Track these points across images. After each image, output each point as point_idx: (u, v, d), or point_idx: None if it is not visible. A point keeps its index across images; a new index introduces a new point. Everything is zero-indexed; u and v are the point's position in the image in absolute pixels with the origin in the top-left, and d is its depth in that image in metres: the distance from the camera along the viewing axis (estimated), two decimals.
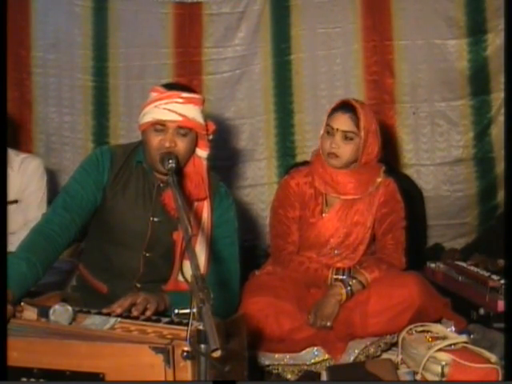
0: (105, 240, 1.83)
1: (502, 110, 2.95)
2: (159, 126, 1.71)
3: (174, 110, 1.70)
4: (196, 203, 1.82)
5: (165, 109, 1.70)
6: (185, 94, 1.73)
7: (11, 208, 2.24)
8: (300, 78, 3.16)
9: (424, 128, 3.15)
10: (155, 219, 1.80)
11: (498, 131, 3.04)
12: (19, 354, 1.26)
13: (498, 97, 3.03)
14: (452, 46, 3.09)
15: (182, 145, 1.72)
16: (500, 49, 2.91)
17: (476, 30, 3.06)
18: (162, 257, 1.81)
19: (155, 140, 1.72)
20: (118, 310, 1.50)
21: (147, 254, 1.81)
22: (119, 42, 3.23)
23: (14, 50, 3.14)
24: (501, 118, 3.01)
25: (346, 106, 2.07)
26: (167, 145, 1.70)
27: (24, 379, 1.25)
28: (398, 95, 3.14)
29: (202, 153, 1.80)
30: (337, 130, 2.05)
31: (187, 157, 1.76)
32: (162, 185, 1.80)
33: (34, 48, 3.24)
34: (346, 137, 2.05)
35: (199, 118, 1.74)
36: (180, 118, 1.71)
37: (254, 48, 3.19)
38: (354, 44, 3.14)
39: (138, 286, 1.78)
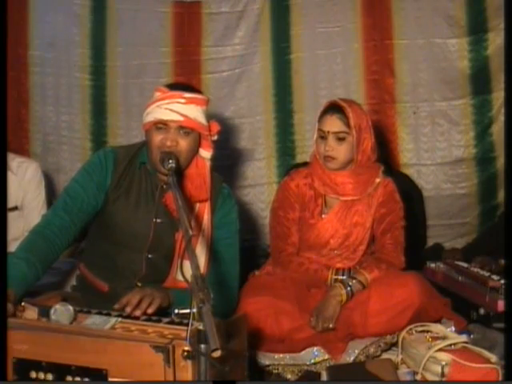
0: (107, 241, 1.82)
1: (503, 110, 2.95)
2: (161, 125, 1.71)
3: (175, 110, 1.70)
4: (198, 204, 1.81)
5: (166, 109, 1.70)
6: (187, 95, 1.73)
7: (12, 215, 2.23)
8: (300, 78, 3.16)
9: (424, 128, 3.15)
10: (158, 220, 1.79)
11: (498, 131, 3.04)
12: (30, 346, 1.28)
13: (498, 96, 3.03)
14: (453, 45, 3.09)
15: (183, 144, 1.71)
16: (501, 48, 2.90)
17: (477, 29, 3.07)
18: (164, 258, 1.80)
19: (157, 138, 1.71)
20: (128, 310, 1.49)
21: (149, 256, 1.80)
22: (118, 40, 3.22)
23: (11, 49, 3.12)
24: (502, 118, 3.01)
25: (333, 108, 2.07)
26: (168, 143, 1.69)
27: (33, 372, 1.28)
28: (399, 95, 3.14)
29: (206, 153, 1.79)
30: (328, 132, 2.06)
31: (189, 156, 1.76)
32: (164, 186, 1.79)
33: (32, 47, 3.22)
34: (339, 138, 2.05)
35: (201, 119, 1.73)
36: (181, 118, 1.70)
37: (254, 47, 3.19)
38: (354, 43, 3.14)
39: (139, 284, 1.77)
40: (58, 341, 1.28)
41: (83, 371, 1.25)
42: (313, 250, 2.14)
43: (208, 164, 1.80)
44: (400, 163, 3.16)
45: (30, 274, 1.57)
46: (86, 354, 1.25)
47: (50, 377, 1.27)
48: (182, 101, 1.71)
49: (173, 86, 1.78)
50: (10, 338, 1.28)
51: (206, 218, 1.82)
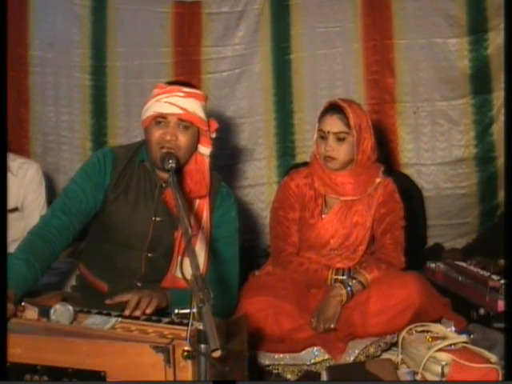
0: (106, 240, 1.82)
1: (503, 110, 2.94)
2: (160, 118, 1.72)
3: (174, 103, 1.70)
4: (197, 202, 1.82)
5: (166, 102, 1.71)
6: (186, 89, 1.74)
7: (12, 216, 2.24)
8: (300, 78, 3.16)
9: (425, 127, 3.15)
10: (157, 219, 1.79)
11: (499, 130, 3.04)
12: (23, 350, 1.27)
13: (499, 96, 3.02)
14: (453, 45, 3.09)
15: (183, 138, 1.72)
16: (501, 48, 2.90)
17: (477, 28, 3.06)
18: (164, 257, 1.80)
19: (156, 134, 1.72)
20: (127, 312, 1.50)
21: (149, 255, 1.80)
22: (118, 40, 3.21)
23: (11, 49, 3.12)
24: (502, 118, 3.00)
25: (333, 108, 2.08)
26: (168, 138, 1.70)
27: (28, 376, 1.27)
28: (399, 94, 3.14)
29: (205, 150, 1.80)
30: (328, 132, 2.06)
31: (189, 152, 1.76)
32: (164, 184, 1.79)
33: (32, 47, 3.22)
34: (339, 138, 2.06)
35: (200, 113, 1.74)
36: (181, 112, 1.71)
37: (254, 47, 3.19)
38: (354, 43, 3.14)
39: (139, 285, 1.78)
40: (54, 344, 1.27)
41: (80, 374, 1.24)
42: (313, 250, 2.14)
43: (207, 161, 1.80)
44: (400, 163, 3.15)
45: (30, 275, 1.57)
46: (83, 356, 1.24)
47: (45, 379, 1.26)
48: (181, 94, 1.71)
49: (171, 83, 1.79)
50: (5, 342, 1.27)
51: (206, 215, 1.82)
